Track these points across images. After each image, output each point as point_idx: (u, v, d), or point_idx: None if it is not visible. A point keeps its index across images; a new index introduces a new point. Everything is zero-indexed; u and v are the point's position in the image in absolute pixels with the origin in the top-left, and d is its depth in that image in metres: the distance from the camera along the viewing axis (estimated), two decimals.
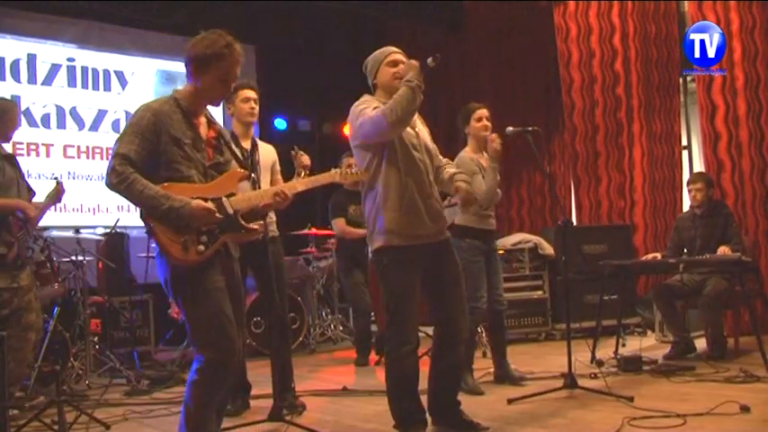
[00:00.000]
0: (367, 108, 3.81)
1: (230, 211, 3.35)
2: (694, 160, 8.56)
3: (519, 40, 9.41)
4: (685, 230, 6.45)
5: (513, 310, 7.11)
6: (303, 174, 4.45)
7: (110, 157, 3.22)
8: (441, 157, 4.12)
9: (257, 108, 4.94)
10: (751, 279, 6.14)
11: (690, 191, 6.45)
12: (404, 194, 3.78)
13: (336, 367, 6.81)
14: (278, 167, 5.03)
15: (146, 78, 9.22)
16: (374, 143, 3.82)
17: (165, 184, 3.20)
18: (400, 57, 3.99)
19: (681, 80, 8.36)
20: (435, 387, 3.96)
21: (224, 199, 3.36)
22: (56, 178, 5.61)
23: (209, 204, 3.25)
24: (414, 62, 3.79)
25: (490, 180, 4.96)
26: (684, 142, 8.51)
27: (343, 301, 8.74)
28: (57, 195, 5.07)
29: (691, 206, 6.55)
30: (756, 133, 7.23)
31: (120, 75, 9.04)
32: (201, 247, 3.24)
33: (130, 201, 3.21)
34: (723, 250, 5.92)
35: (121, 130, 3.31)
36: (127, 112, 8.97)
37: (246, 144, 4.87)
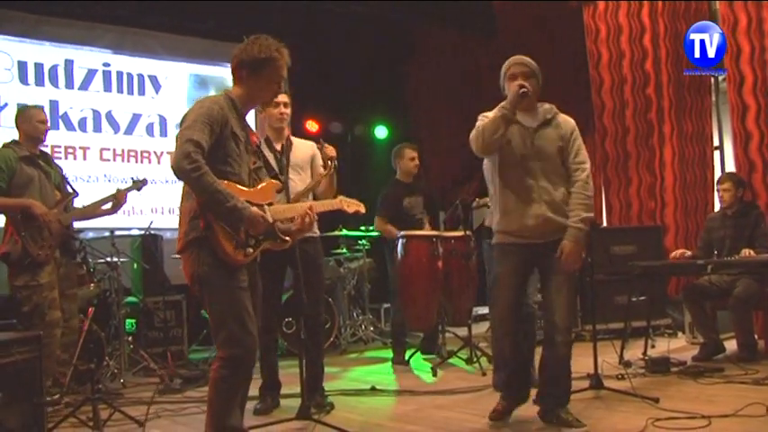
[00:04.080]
0: (480, 123, 4.06)
1: (270, 219, 3.48)
2: (726, 160, 8.49)
3: (549, 41, 9.39)
4: (715, 231, 6.42)
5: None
6: (330, 164, 4.59)
7: (180, 141, 3.21)
8: (578, 165, 4.14)
9: (288, 112, 5.01)
10: None
11: (719, 191, 6.43)
12: (505, 198, 4.10)
13: (367, 367, 6.87)
14: (319, 162, 5.00)
15: (179, 82, 9.37)
16: None
17: (224, 182, 3.28)
18: (521, 69, 4.13)
19: (712, 80, 8.31)
20: (541, 386, 4.18)
21: (266, 207, 3.51)
22: (135, 179, 5.78)
23: (263, 212, 3.40)
24: (514, 87, 3.98)
25: None
26: (716, 142, 8.45)
27: (374, 301, 8.81)
28: (114, 202, 5.31)
29: (721, 206, 6.52)
30: None
31: (153, 79, 9.19)
32: (250, 250, 3.40)
33: (195, 190, 3.24)
34: (746, 252, 5.88)
35: (184, 120, 3.33)
36: (160, 116, 9.14)
37: (279, 145, 4.96)
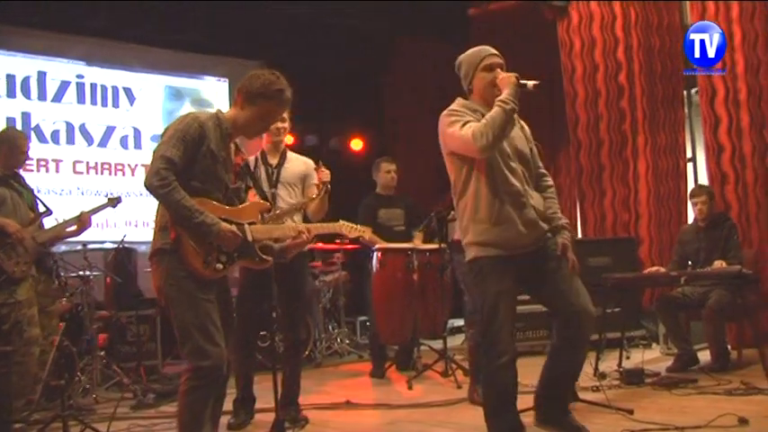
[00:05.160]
0: (457, 123, 3.66)
1: (249, 238, 3.51)
2: (699, 172, 8.57)
3: (524, 54, 9.44)
4: (689, 243, 6.46)
5: (517, 323, 7.10)
6: (323, 187, 4.59)
7: (154, 157, 3.31)
8: (541, 166, 3.92)
9: (285, 126, 4.99)
10: (754, 291, 6.15)
11: (695, 204, 6.46)
12: (495, 205, 3.64)
13: (342, 381, 6.83)
14: (313, 180, 4.97)
15: (154, 94, 9.33)
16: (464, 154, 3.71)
17: (200, 198, 3.35)
18: (497, 60, 3.79)
19: (685, 93, 8.40)
20: (547, 390, 3.84)
21: (246, 226, 3.53)
22: (110, 197, 5.73)
23: (236, 229, 3.42)
24: (512, 78, 3.64)
25: None
26: (689, 154, 8.54)
27: (350, 314, 8.78)
28: (78, 224, 5.25)
29: (695, 219, 6.57)
30: (759, 145, 7.24)
31: (128, 91, 9.15)
32: (220, 266, 3.41)
33: (165, 205, 3.33)
34: (719, 264, 5.93)
35: (164, 134, 3.41)
36: (135, 129, 9.09)
37: (274, 160, 4.95)
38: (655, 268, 6.44)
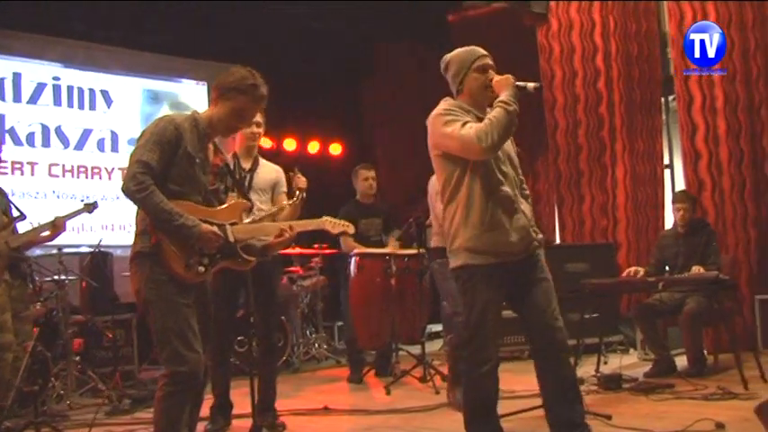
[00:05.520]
0: (456, 122, 3.51)
1: (231, 239, 3.48)
2: (676, 179, 8.62)
3: (503, 59, 9.44)
4: (668, 248, 6.50)
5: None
6: (298, 194, 4.54)
7: (130, 162, 3.30)
8: (520, 172, 3.80)
9: (260, 131, 4.96)
10: (730, 297, 6.20)
11: (678, 210, 6.48)
12: (487, 210, 3.50)
13: (320, 386, 6.80)
14: (282, 189, 4.99)
15: (131, 97, 9.25)
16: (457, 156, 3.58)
17: (178, 201, 3.32)
18: (489, 61, 3.71)
19: (662, 99, 8.46)
20: (551, 411, 3.66)
21: (227, 226, 3.50)
22: (86, 202, 5.64)
23: (217, 230, 3.40)
24: (510, 79, 3.55)
25: None
26: (666, 161, 8.59)
27: (328, 319, 8.75)
28: (51, 229, 5.18)
29: (674, 224, 6.61)
30: (736, 152, 7.32)
31: (105, 94, 9.06)
32: (202, 269, 3.39)
33: (144, 210, 3.32)
34: (698, 270, 5.96)
35: (140, 138, 3.39)
36: (112, 131, 9.01)
37: (247, 164, 4.91)
38: (633, 269, 6.44)
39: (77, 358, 6.47)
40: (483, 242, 3.51)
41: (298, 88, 9.96)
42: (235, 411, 4.95)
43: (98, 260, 7.39)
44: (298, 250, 8.11)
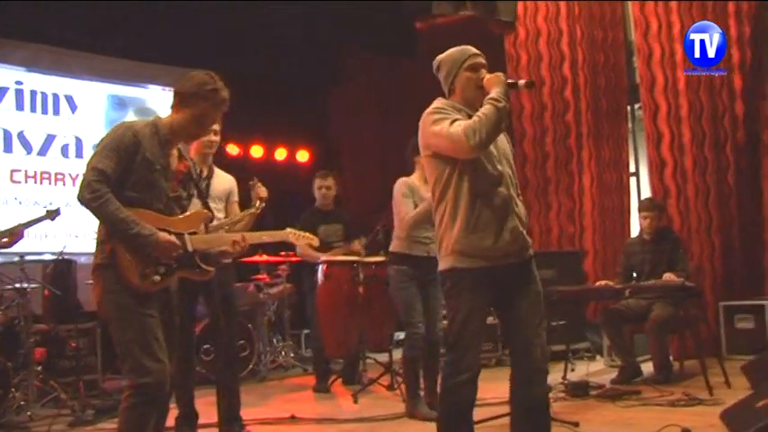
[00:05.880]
0: (445, 120, 3.39)
1: (190, 248, 3.43)
2: (642, 186, 8.70)
3: None
4: (634, 255, 6.55)
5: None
6: (258, 204, 4.48)
7: (86, 169, 3.24)
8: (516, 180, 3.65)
9: (216, 140, 4.88)
10: (695, 304, 6.25)
11: (645, 217, 6.53)
12: (475, 210, 3.36)
13: (287, 395, 6.75)
14: (235, 198, 4.98)
15: (96, 103, 9.12)
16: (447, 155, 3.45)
17: (137, 209, 3.26)
18: (482, 60, 3.60)
19: (628, 108, 8.53)
20: (514, 426, 3.54)
21: (186, 236, 3.44)
22: (48, 209, 5.55)
23: (174, 239, 3.33)
24: (501, 77, 3.43)
25: (421, 208, 5.00)
26: (632, 169, 8.66)
27: (295, 327, 8.69)
28: (9, 237, 5.09)
29: (640, 232, 6.67)
30: (700, 161, 7.40)
31: (69, 99, 8.92)
32: (157, 278, 3.32)
33: (99, 218, 3.26)
34: (668, 276, 6.02)
35: (77, 152, 3.33)
36: (77, 137, 8.88)
37: (202, 172, 4.85)
38: (603, 282, 6.47)
39: (39, 368, 6.35)
40: (469, 244, 3.36)
41: (265, 95, 9.91)
42: (201, 421, 4.88)
43: (61, 268, 7.26)
44: (264, 258, 8.06)
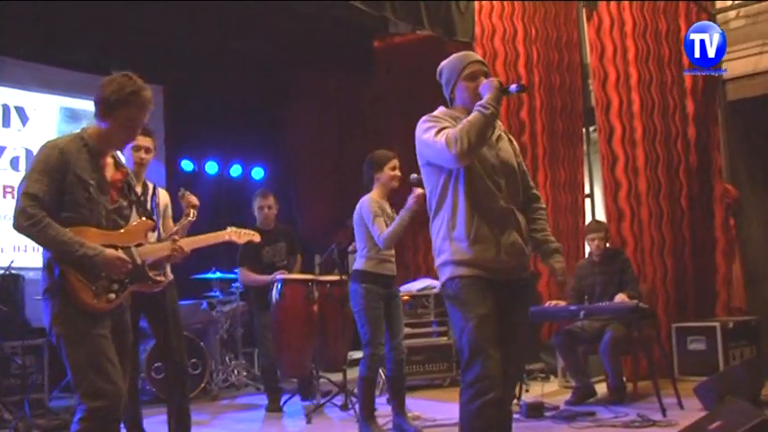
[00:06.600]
0: (433, 128, 3.32)
1: (139, 261, 3.35)
2: (597, 208, 8.78)
3: (428, 85, 9.49)
4: (585, 278, 6.59)
5: (418, 356, 7.19)
6: (192, 213, 4.38)
7: (18, 195, 3.13)
8: (533, 186, 3.59)
9: (148, 157, 4.73)
10: (649, 325, 6.31)
11: (593, 239, 6.57)
12: (473, 222, 3.26)
13: (239, 414, 6.65)
14: (169, 212, 4.94)
15: (48, 115, 8.95)
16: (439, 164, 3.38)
17: (78, 228, 3.15)
18: (481, 67, 3.48)
19: (584, 130, 8.62)
20: None
21: (133, 249, 3.36)
22: None
23: (122, 254, 3.24)
24: (494, 82, 3.31)
25: (397, 226, 4.95)
26: (587, 190, 8.74)
27: (247, 345, 8.57)
28: None
29: (590, 254, 6.71)
30: (654, 183, 7.49)
31: (20, 111, 8.74)
32: (112, 296, 3.24)
33: (40, 244, 3.15)
34: (620, 297, 6.07)
35: (27, 167, 3.21)
36: (27, 150, 8.68)
37: (137, 189, 4.74)
38: (555, 302, 6.51)
39: None
40: (470, 255, 3.25)
41: (221, 111, 9.84)
42: None
43: (8, 283, 7.09)
44: (218, 275, 7.95)
